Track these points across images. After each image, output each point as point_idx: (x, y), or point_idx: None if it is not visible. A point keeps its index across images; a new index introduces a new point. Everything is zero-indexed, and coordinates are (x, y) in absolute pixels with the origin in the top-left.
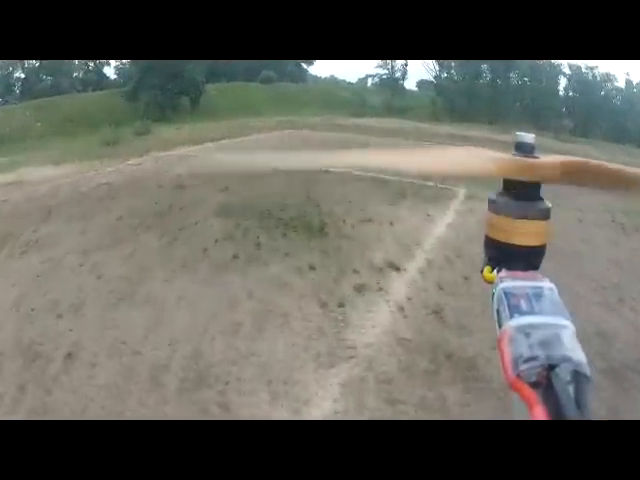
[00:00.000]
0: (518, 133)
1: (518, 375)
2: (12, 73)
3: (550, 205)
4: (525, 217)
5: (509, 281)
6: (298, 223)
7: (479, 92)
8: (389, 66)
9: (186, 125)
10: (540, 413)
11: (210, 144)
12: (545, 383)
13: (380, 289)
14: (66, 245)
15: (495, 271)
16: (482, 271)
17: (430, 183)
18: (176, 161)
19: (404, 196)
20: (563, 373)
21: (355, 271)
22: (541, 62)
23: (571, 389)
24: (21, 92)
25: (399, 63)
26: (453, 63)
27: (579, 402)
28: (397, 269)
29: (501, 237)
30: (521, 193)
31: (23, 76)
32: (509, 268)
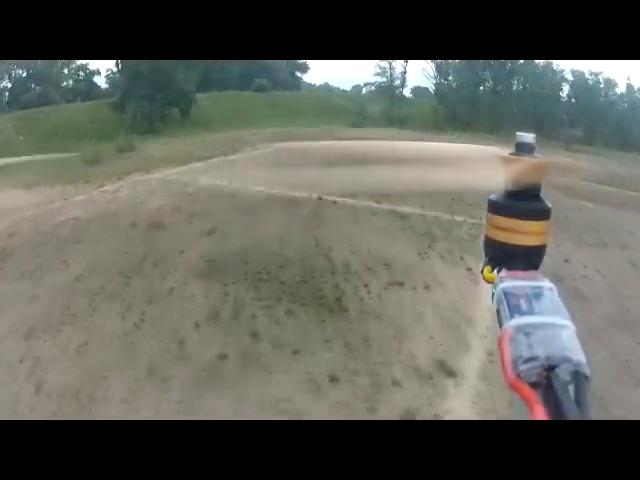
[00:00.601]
0: (518, 133)
1: (518, 375)
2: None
3: (550, 205)
4: (525, 217)
5: (509, 281)
6: (306, 292)
7: (480, 99)
8: (387, 74)
9: (175, 139)
10: (540, 413)
11: (198, 164)
12: (545, 383)
13: (435, 415)
14: (10, 317)
15: (495, 271)
16: (482, 271)
17: (459, 218)
18: (157, 187)
19: (432, 237)
20: (563, 373)
21: (396, 383)
22: (543, 67)
23: (571, 389)
24: (7, 102)
25: (398, 71)
26: (451, 69)
27: (579, 402)
28: (452, 374)
29: (501, 237)
30: (521, 193)
31: (9, 85)
32: (509, 268)
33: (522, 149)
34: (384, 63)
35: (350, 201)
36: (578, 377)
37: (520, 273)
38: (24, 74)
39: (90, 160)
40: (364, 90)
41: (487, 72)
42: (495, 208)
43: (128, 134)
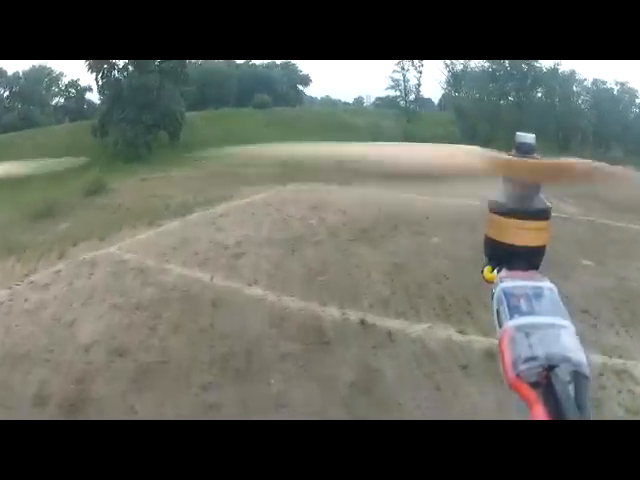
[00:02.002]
0: (518, 133)
1: (518, 375)
2: None
3: (550, 205)
4: (525, 217)
5: (509, 281)
6: None
7: (502, 113)
8: (401, 86)
9: (158, 171)
10: (540, 413)
11: (172, 225)
12: (545, 383)
13: None
14: None
15: (495, 271)
16: (482, 271)
17: None
18: (102, 283)
19: None
20: (563, 373)
21: None
22: (567, 77)
23: (571, 389)
24: None
25: (412, 83)
26: (470, 80)
27: (579, 402)
28: None
29: (501, 237)
30: (521, 193)
31: None
32: (509, 268)
33: (522, 150)
34: (397, 75)
35: None
36: (578, 377)
37: (520, 273)
38: (5, 93)
39: (40, 213)
40: (367, 102)
41: (510, 83)
42: (495, 208)
43: (106, 164)
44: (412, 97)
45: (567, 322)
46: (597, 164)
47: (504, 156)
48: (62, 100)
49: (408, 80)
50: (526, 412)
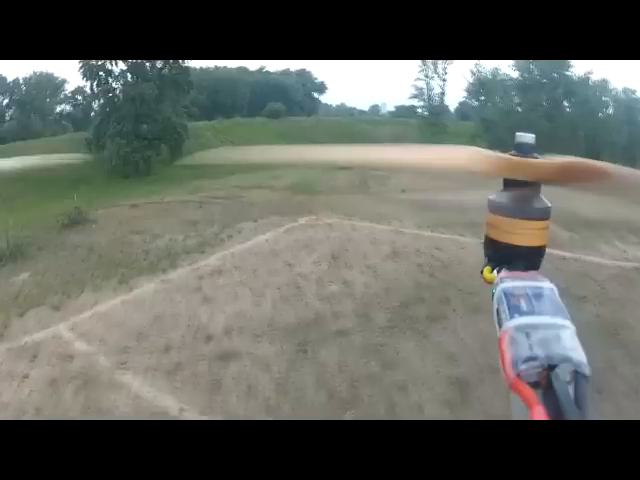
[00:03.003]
0: (518, 133)
1: (518, 375)
2: None
3: (550, 205)
4: (525, 217)
5: (509, 281)
6: None
7: (533, 126)
8: (425, 96)
9: (152, 193)
10: (540, 413)
11: (149, 288)
12: (545, 383)
13: None
14: None
15: (495, 271)
16: (482, 271)
17: None
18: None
19: None
20: (563, 373)
21: None
22: (599, 88)
23: (571, 389)
24: None
25: (436, 93)
26: (499, 89)
27: (579, 402)
28: None
29: (501, 237)
30: (521, 193)
31: None
32: (509, 268)
33: (522, 150)
34: (421, 84)
35: None
36: (578, 377)
37: (520, 273)
38: (5, 100)
39: (2, 254)
40: (382, 110)
41: (541, 94)
42: (495, 208)
43: (102, 181)
44: (436, 106)
45: (567, 322)
46: (597, 163)
47: (505, 156)
48: (68, 107)
49: (432, 88)
50: (526, 412)
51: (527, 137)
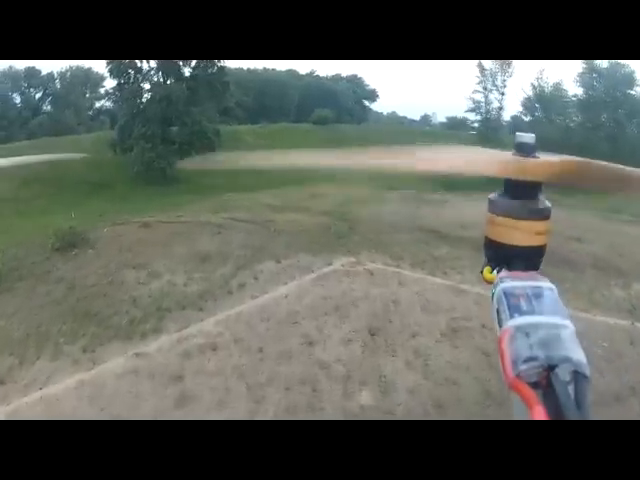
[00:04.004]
0: (518, 133)
1: (518, 375)
2: (9, 98)
3: (550, 205)
4: (525, 217)
5: (509, 281)
6: None
7: (597, 147)
8: (482, 109)
9: (170, 211)
10: (540, 413)
11: (114, 373)
12: (545, 383)
13: None
14: None
15: (495, 271)
16: (482, 271)
17: None
18: None
19: None
20: (563, 373)
21: None
22: None
23: (571, 389)
24: (8, 127)
25: (494, 107)
26: (559, 107)
27: (579, 402)
28: None
29: (501, 237)
30: (521, 193)
31: (19, 103)
32: (509, 268)
33: (523, 150)
34: (478, 97)
35: None
36: (578, 377)
37: (520, 273)
38: (37, 94)
39: None
40: (433, 120)
41: (604, 114)
42: (495, 208)
43: (124, 187)
44: (493, 121)
45: (567, 322)
46: (597, 163)
47: (505, 156)
48: (108, 104)
49: (490, 102)
50: (526, 412)
51: (527, 137)
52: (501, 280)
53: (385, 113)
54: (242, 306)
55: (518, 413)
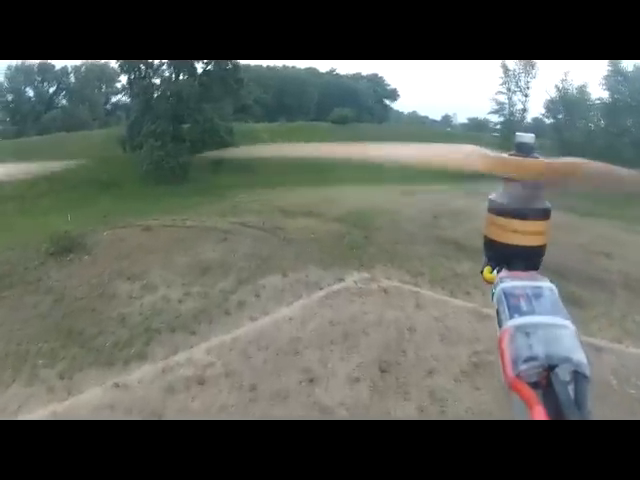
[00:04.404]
0: (518, 133)
1: (518, 375)
2: (22, 92)
3: (550, 205)
4: (525, 217)
5: (509, 281)
6: None
7: (618, 153)
8: (506, 111)
9: (177, 213)
10: (540, 413)
11: (80, 400)
12: (545, 383)
13: None
14: None
15: (495, 271)
16: (482, 271)
17: None
18: None
19: None
20: (563, 373)
21: None
22: None
23: (571, 389)
24: (20, 121)
25: (517, 109)
26: (582, 111)
27: (579, 402)
28: None
29: (501, 237)
30: (521, 193)
31: (32, 97)
32: (509, 268)
33: (522, 150)
34: (502, 98)
35: None
36: (578, 377)
37: (520, 273)
38: (51, 89)
39: None
40: (454, 121)
41: (630, 119)
42: (495, 208)
43: (133, 185)
44: (516, 123)
45: (567, 322)
46: (597, 164)
47: (505, 155)
48: (125, 98)
49: (514, 104)
50: (526, 412)
51: (527, 137)
52: (501, 280)
53: (406, 113)
54: (239, 330)
55: (518, 413)
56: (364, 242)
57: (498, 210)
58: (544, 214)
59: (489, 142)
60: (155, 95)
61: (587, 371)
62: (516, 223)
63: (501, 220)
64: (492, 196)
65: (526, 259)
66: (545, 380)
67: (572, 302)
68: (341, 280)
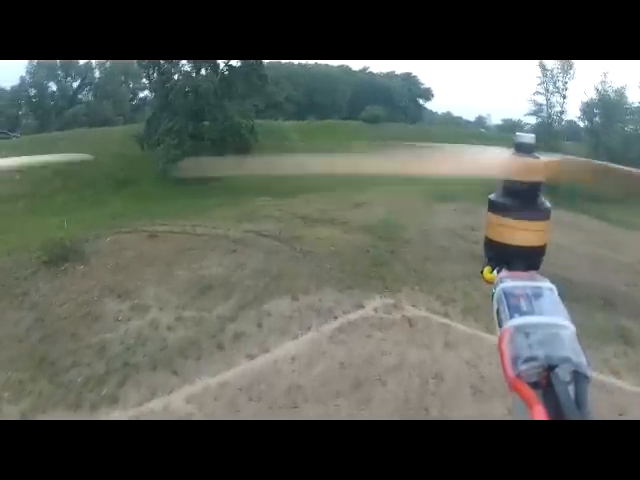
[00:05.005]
0: (518, 133)
1: (518, 375)
2: (45, 87)
3: (550, 205)
4: (525, 217)
5: (509, 281)
6: None
7: None
8: (544, 113)
9: (190, 218)
10: (540, 413)
11: None
12: (545, 383)
13: None
14: None
15: (495, 271)
16: (482, 271)
17: None
18: None
19: None
20: (563, 373)
21: None
22: None
23: (571, 389)
24: (42, 116)
25: (555, 111)
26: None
27: (579, 402)
28: None
29: (501, 237)
30: (521, 193)
31: (55, 92)
32: (509, 268)
33: (522, 149)
34: (540, 99)
35: None
36: (578, 377)
37: (520, 273)
38: (75, 83)
39: None
40: (488, 122)
41: None
42: (495, 208)
43: (150, 185)
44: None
45: (567, 322)
46: (599, 163)
47: (504, 156)
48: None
49: (553, 106)
50: (526, 412)
51: (527, 137)
52: (501, 280)
53: (440, 113)
54: (230, 372)
55: (518, 413)
56: (390, 258)
57: (498, 210)
58: (544, 214)
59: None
60: (173, 91)
61: (587, 371)
62: (516, 223)
63: (501, 220)
64: (492, 196)
65: (526, 259)
66: (545, 380)
67: (619, 338)
68: (360, 307)
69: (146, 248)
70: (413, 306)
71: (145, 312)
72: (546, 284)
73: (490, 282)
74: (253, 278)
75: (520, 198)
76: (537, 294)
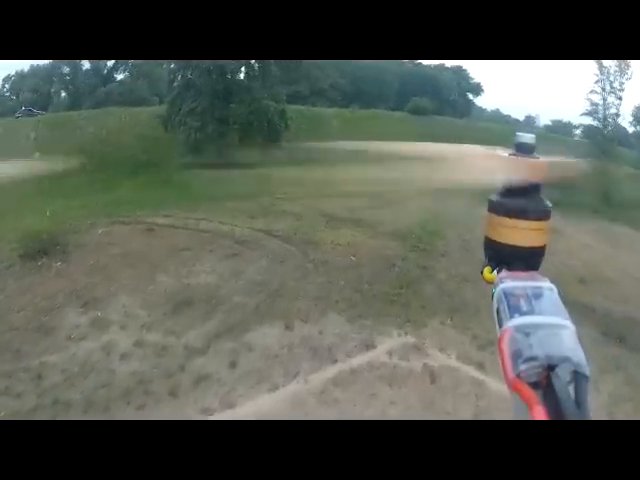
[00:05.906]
0: (518, 133)
1: (518, 375)
2: (78, 64)
3: (550, 205)
4: (525, 217)
5: (509, 281)
6: None
7: None
8: (600, 114)
9: (200, 211)
10: (540, 413)
11: None
12: (545, 383)
13: None
14: None
15: (495, 271)
16: (482, 271)
17: None
18: None
19: None
20: (563, 373)
21: None
22: None
23: (571, 389)
24: (74, 94)
25: (611, 113)
26: None
27: (579, 402)
28: None
29: (501, 238)
30: (521, 193)
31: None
32: (509, 268)
33: (522, 149)
34: (597, 98)
35: None
36: (578, 377)
37: (520, 273)
38: (110, 62)
39: None
40: (536, 122)
41: None
42: (495, 208)
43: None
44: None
45: (567, 322)
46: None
47: (504, 155)
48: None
49: (609, 107)
50: (526, 412)
51: (527, 137)
52: (501, 280)
53: (489, 110)
54: None
55: (518, 413)
56: (420, 276)
57: (498, 210)
58: (545, 214)
59: (576, 147)
60: (197, 68)
61: (587, 371)
62: (516, 223)
63: (501, 220)
64: (492, 196)
65: (526, 259)
66: (545, 380)
67: None
68: (370, 347)
69: (136, 245)
70: (440, 350)
71: (103, 331)
72: (546, 284)
73: (490, 282)
74: (246, 294)
75: (520, 198)
76: (537, 294)
